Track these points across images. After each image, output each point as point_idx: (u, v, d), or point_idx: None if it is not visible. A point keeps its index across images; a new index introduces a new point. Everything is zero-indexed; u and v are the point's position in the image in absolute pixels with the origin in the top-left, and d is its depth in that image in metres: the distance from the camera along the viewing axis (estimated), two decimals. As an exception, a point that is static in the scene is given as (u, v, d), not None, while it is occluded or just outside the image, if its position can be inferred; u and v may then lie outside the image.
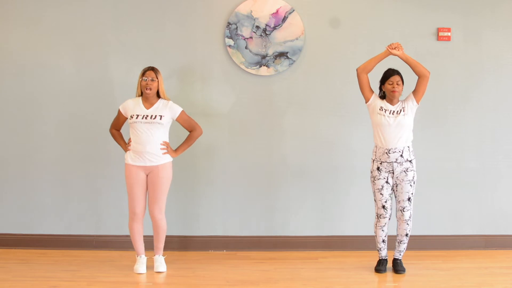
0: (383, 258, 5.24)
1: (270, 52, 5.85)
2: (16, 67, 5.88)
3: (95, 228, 5.91)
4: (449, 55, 5.91)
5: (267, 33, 5.84)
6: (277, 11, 5.85)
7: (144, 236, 5.27)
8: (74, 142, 5.88)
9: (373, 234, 5.29)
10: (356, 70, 5.12)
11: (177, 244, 5.83)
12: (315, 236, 5.93)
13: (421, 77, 5.05)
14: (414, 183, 5.12)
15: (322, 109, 5.91)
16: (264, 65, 5.86)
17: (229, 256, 5.73)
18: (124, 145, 5.26)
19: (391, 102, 5.12)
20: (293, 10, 5.84)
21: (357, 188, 5.89)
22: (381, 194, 5.11)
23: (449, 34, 5.88)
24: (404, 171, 5.09)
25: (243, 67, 5.86)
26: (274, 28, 5.85)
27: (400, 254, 5.22)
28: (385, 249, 5.23)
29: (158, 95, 5.20)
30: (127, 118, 5.22)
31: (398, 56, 5.03)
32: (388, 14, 5.90)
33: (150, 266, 5.25)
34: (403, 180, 5.09)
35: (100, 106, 5.83)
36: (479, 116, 5.95)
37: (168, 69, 5.77)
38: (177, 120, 5.22)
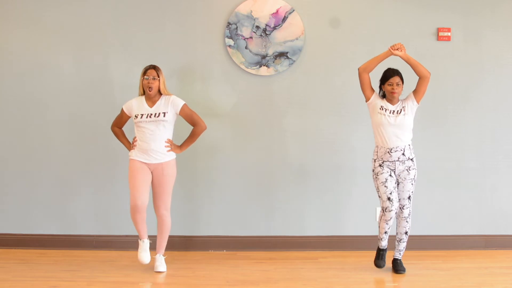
0: (383, 248, 5.22)
1: (270, 52, 5.85)
2: (16, 67, 5.88)
3: (95, 228, 5.91)
4: (449, 55, 5.91)
5: (267, 33, 5.85)
6: (277, 11, 5.85)
7: (149, 237, 5.26)
8: (74, 142, 5.88)
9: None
10: (358, 69, 5.12)
11: (177, 244, 5.82)
12: (315, 236, 5.93)
13: (422, 78, 5.05)
14: (415, 181, 5.13)
15: (322, 109, 5.91)
16: (264, 65, 5.86)
17: (229, 256, 5.73)
18: (128, 143, 5.27)
19: (391, 101, 5.12)
20: (293, 10, 5.84)
21: (357, 188, 5.89)
22: (385, 186, 5.07)
23: (449, 34, 5.89)
24: (407, 169, 5.09)
25: (243, 67, 5.86)
26: (274, 28, 5.85)
27: (400, 254, 5.21)
28: (386, 240, 5.19)
29: (160, 93, 5.20)
30: (129, 118, 5.23)
31: (400, 57, 5.03)
32: (388, 14, 5.90)
33: (150, 267, 5.25)
34: (405, 178, 5.09)
35: (100, 106, 5.83)
36: (479, 116, 5.95)
37: (168, 69, 5.77)
38: (180, 114, 5.21)
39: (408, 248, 5.53)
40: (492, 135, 5.96)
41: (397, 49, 5.02)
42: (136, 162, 5.14)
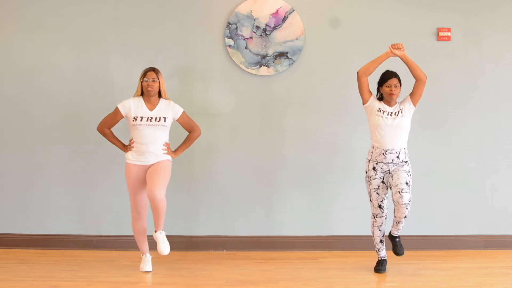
0: (382, 258, 5.23)
1: (270, 52, 5.85)
2: (16, 67, 5.87)
3: (95, 228, 5.91)
4: (449, 55, 5.91)
5: (267, 33, 5.85)
6: (277, 11, 5.85)
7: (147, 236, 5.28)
8: (74, 142, 5.88)
9: (371, 235, 5.29)
10: (357, 73, 5.11)
11: (177, 244, 5.82)
12: (315, 236, 5.93)
13: (418, 81, 5.06)
14: (410, 175, 5.02)
15: (322, 109, 5.91)
16: (264, 65, 5.86)
17: (229, 256, 5.73)
18: (121, 144, 5.25)
19: (388, 103, 5.13)
20: (293, 10, 5.84)
21: (357, 188, 5.87)
22: (377, 193, 5.10)
23: (449, 34, 5.89)
24: (400, 165, 5.06)
25: (243, 67, 5.86)
26: (274, 28, 5.85)
27: (398, 231, 5.11)
28: (384, 250, 5.22)
29: (159, 95, 5.20)
30: (122, 118, 5.21)
31: (399, 56, 5.03)
32: (388, 14, 5.90)
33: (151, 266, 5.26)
34: (398, 170, 5.03)
35: (100, 106, 5.82)
36: (479, 116, 5.95)
37: (168, 69, 5.77)
38: (177, 120, 5.22)
39: (408, 248, 5.53)
40: (492, 135, 5.96)
41: (397, 49, 5.02)
42: (133, 168, 5.12)
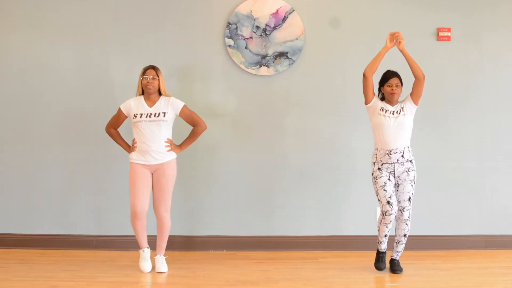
0: (382, 251, 5.23)
1: (270, 52, 5.85)
2: (16, 67, 5.88)
3: (95, 228, 5.92)
4: (449, 55, 5.91)
5: (267, 33, 5.85)
6: (277, 11, 5.85)
7: (147, 236, 5.27)
8: (74, 142, 5.88)
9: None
10: (364, 74, 5.08)
11: (177, 244, 5.82)
12: (315, 236, 5.94)
13: (417, 79, 5.07)
14: (414, 183, 5.13)
15: (322, 109, 5.91)
16: (264, 65, 5.86)
17: (229, 256, 5.73)
18: (126, 145, 5.27)
19: (390, 103, 5.13)
20: (293, 10, 5.84)
21: (357, 188, 5.89)
22: (384, 190, 5.09)
23: (449, 34, 5.89)
24: (406, 171, 5.09)
25: (243, 67, 5.86)
26: (274, 28, 5.85)
27: (397, 255, 5.22)
28: (385, 243, 5.21)
29: (160, 93, 5.20)
30: (127, 117, 5.23)
31: (400, 50, 5.03)
32: (388, 14, 5.90)
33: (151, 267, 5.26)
34: (405, 180, 5.10)
35: (100, 106, 5.83)
36: (479, 116, 5.96)
37: (168, 69, 5.77)
38: (179, 115, 5.21)
39: (408, 248, 5.53)
40: (492, 135, 5.96)
41: (396, 37, 5.01)
42: (137, 167, 5.14)
